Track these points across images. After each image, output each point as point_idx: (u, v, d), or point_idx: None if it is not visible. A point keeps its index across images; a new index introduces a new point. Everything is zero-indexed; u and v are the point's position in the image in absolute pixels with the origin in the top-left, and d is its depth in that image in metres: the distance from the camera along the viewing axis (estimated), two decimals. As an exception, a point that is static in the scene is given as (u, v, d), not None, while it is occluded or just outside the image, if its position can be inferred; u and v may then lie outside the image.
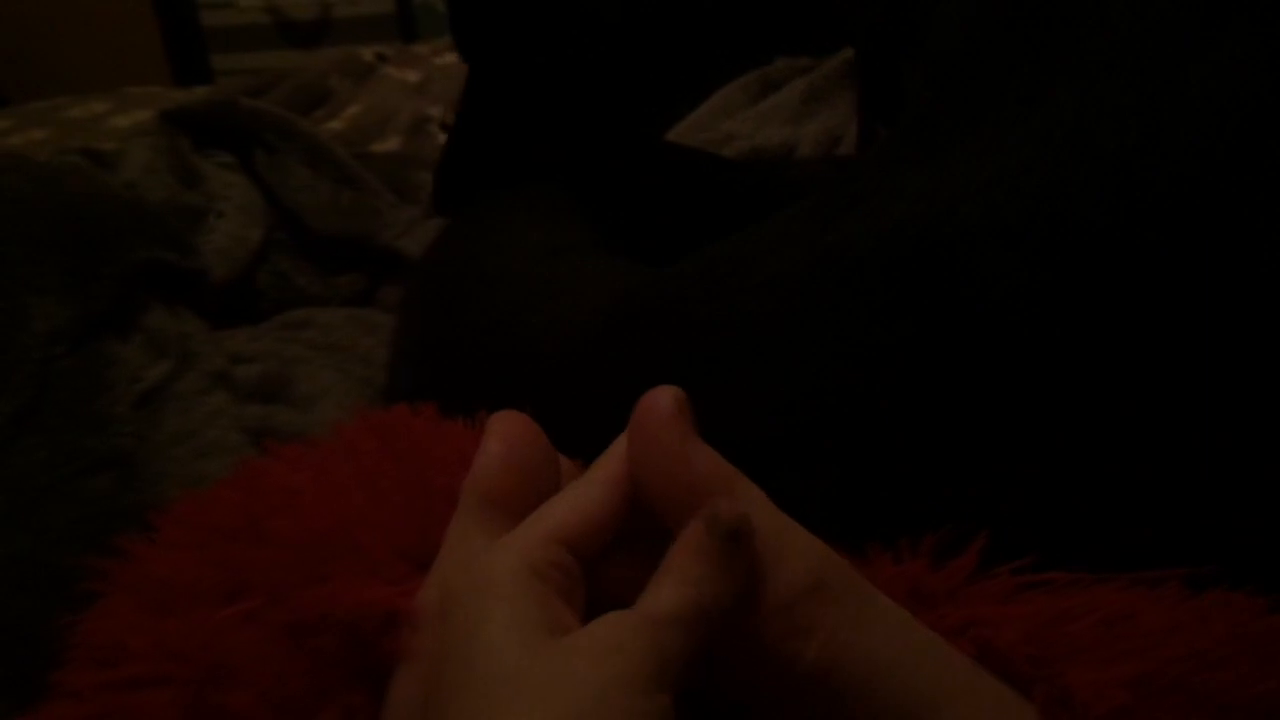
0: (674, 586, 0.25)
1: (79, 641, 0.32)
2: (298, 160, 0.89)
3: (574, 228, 0.59)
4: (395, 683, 0.26)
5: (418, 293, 0.61)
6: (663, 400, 0.28)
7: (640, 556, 0.27)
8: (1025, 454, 0.35)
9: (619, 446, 0.29)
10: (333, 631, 0.25)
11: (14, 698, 0.45)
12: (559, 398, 0.44)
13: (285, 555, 0.28)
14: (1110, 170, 0.33)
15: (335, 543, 0.28)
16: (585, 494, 0.27)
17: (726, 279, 0.40)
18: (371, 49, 1.32)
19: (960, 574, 0.31)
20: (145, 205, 0.77)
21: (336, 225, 0.85)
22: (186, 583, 0.31)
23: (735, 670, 0.27)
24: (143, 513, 0.42)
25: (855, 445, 0.36)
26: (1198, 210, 0.33)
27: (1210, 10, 0.35)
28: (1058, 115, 0.35)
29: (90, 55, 2.63)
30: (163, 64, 2.24)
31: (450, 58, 1.28)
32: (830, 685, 0.26)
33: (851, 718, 0.26)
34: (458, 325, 0.53)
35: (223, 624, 0.28)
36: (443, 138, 1.07)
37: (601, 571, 0.27)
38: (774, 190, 0.69)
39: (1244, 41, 0.34)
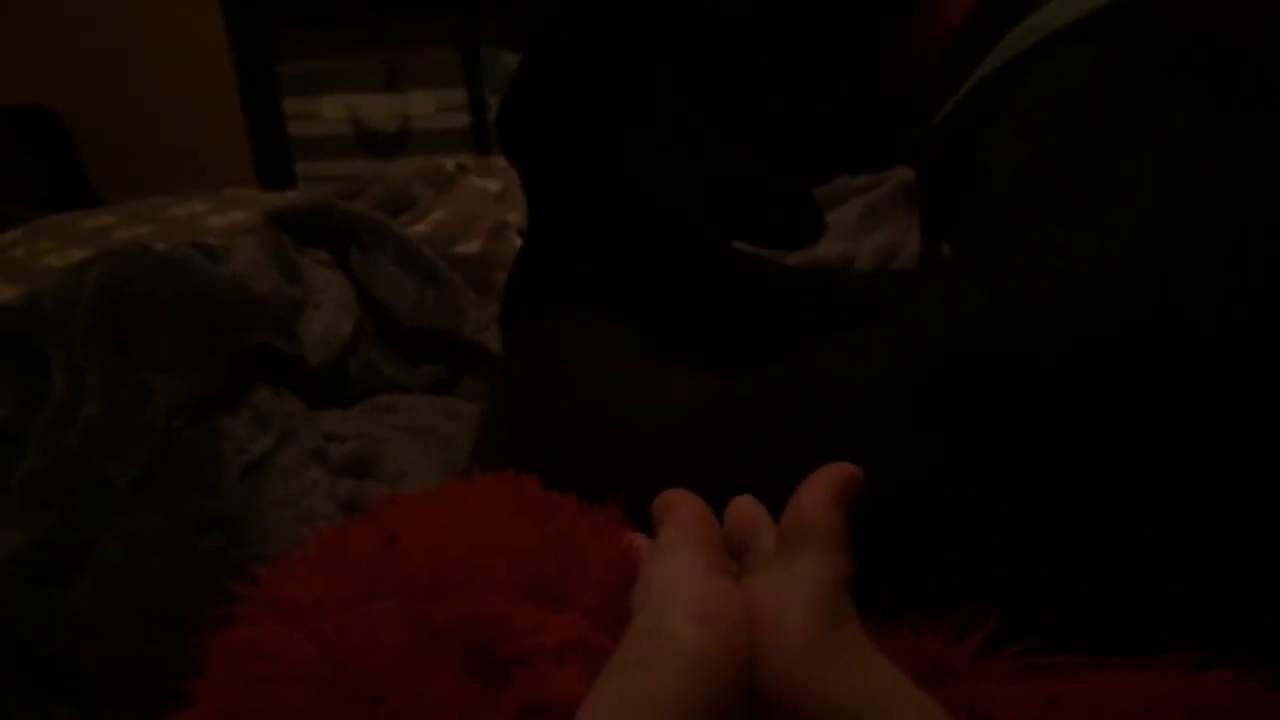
0: None
1: (216, 650, 0.36)
2: (389, 259, 0.95)
3: (637, 332, 0.64)
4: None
5: (507, 384, 0.66)
6: None
7: None
8: (1058, 546, 0.39)
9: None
10: (457, 632, 0.29)
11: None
12: (647, 486, 0.48)
13: (416, 572, 0.32)
14: (1128, 298, 0.38)
15: (462, 565, 0.32)
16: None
17: (808, 388, 0.45)
18: (452, 160, 1.41)
19: (969, 652, 0.34)
20: (252, 295, 0.84)
21: (422, 319, 0.91)
22: (317, 598, 0.35)
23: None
24: (249, 568, 0.47)
25: (910, 533, 0.40)
26: (1232, 335, 0.37)
27: (1229, 157, 0.40)
28: (1083, 250, 0.39)
29: (182, 159, 2.80)
30: (249, 168, 2.37)
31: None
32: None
33: None
34: (547, 415, 0.58)
35: (353, 624, 0.32)
36: (519, 243, 1.14)
37: None
38: (835, 298, 0.74)
39: (1264, 186, 0.39)
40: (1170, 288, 0.38)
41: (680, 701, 0.29)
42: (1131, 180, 0.41)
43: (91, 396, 0.65)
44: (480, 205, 1.21)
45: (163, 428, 0.65)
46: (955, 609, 0.38)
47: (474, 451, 0.68)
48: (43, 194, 2.48)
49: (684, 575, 0.34)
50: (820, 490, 0.36)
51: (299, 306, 0.88)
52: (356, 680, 0.30)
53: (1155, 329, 0.38)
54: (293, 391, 0.78)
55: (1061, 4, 0.49)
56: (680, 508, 0.39)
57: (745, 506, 0.40)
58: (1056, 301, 0.39)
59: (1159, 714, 0.31)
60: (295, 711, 0.31)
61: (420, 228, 1.16)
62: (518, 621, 0.30)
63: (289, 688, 0.32)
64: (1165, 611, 0.38)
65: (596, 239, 0.69)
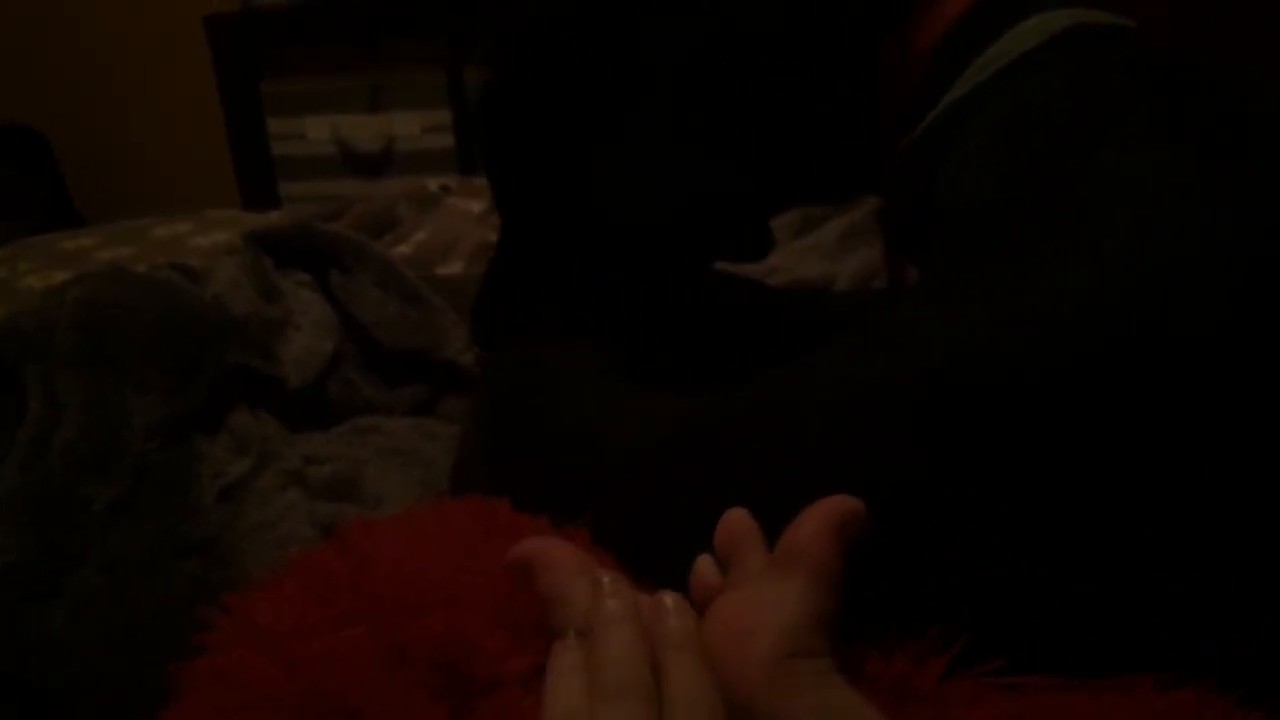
0: None
1: (190, 678, 0.36)
2: (369, 280, 0.95)
3: (614, 351, 0.64)
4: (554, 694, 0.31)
5: (486, 405, 0.67)
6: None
7: None
8: (1034, 565, 0.39)
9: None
10: (427, 656, 0.30)
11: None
12: (629, 507, 0.48)
13: (387, 597, 0.33)
14: (1114, 319, 0.39)
15: (433, 590, 0.32)
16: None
17: (782, 408, 0.45)
18: (436, 180, 1.41)
19: (936, 673, 0.35)
20: (232, 316, 0.84)
21: (403, 340, 0.91)
22: (291, 623, 0.35)
23: None
24: (225, 593, 0.47)
25: (885, 554, 0.40)
26: (1197, 352, 0.38)
27: (1200, 183, 0.40)
28: (1068, 271, 0.40)
29: (166, 178, 2.79)
30: (233, 188, 2.37)
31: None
32: None
33: None
34: (527, 436, 0.58)
35: (327, 649, 0.32)
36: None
37: None
38: (815, 317, 0.75)
39: (1235, 209, 0.40)
40: (1156, 304, 0.38)
41: None
42: (1109, 200, 0.41)
43: (70, 418, 0.65)
44: (463, 226, 1.21)
45: (140, 450, 0.65)
46: (927, 629, 0.38)
47: (453, 474, 0.68)
48: (26, 213, 2.47)
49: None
50: (819, 520, 0.36)
51: (279, 327, 0.88)
52: (327, 706, 0.30)
53: (1142, 345, 0.38)
54: (272, 413, 0.78)
55: (1022, 31, 0.50)
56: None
57: (737, 520, 0.40)
58: (1045, 319, 0.40)
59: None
60: (267, 737, 0.31)
61: (402, 249, 1.16)
62: (486, 647, 0.30)
63: (261, 714, 0.32)
64: (1158, 618, 0.38)
65: (568, 254, 0.70)
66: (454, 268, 1.13)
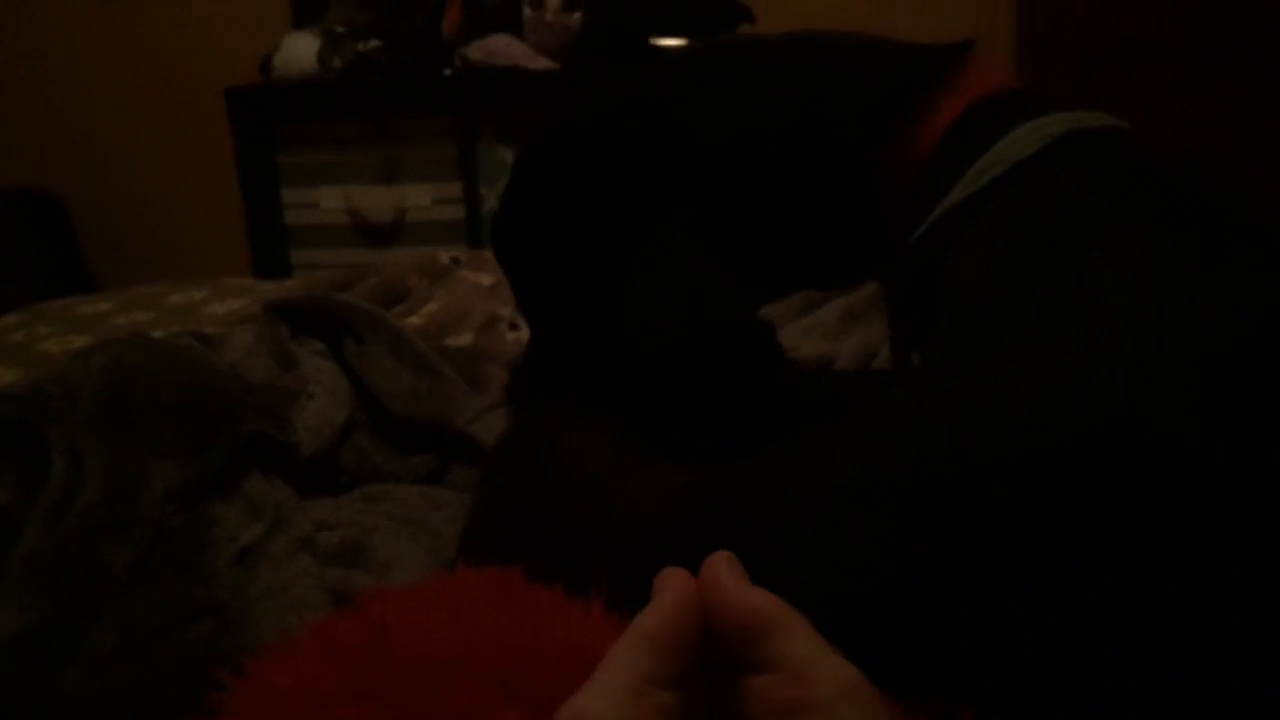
0: None
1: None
2: (383, 350, 0.98)
3: (621, 424, 0.66)
4: None
5: (499, 474, 0.69)
6: (724, 558, 0.35)
7: (718, 685, 0.34)
8: (1027, 640, 0.41)
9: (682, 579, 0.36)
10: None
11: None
12: (633, 577, 0.50)
13: (404, 666, 0.34)
14: (1102, 416, 0.41)
15: (449, 660, 0.34)
16: (660, 602, 0.35)
17: (783, 487, 0.48)
18: (447, 252, 1.44)
19: None
20: (249, 384, 0.86)
21: (414, 410, 0.93)
22: (307, 689, 0.37)
23: None
24: (237, 656, 0.48)
25: (878, 626, 0.42)
26: (1179, 448, 0.40)
27: (1180, 284, 0.43)
28: (1060, 365, 0.43)
29: (178, 245, 2.84)
30: (245, 255, 2.41)
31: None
32: None
33: None
34: (538, 504, 0.60)
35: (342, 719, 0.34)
36: (511, 335, 1.17)
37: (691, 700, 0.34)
38: (816, 396, 0.77)
39: (1219, 309, 0.42)
40: (1129, 397, 0.41)
41: None
42: (1091, 299, 0.44)
43: (91, 481, 0.67)
44: (473, 299, 1.24)
45: (158, 513, 0.67)
46: (927, 699, 0.40)
47: (461, 542, 0.70)
48: (40, 278, 2.51)
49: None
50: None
51: (294, 395, 0.90)
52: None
53: (1114, 436, 0.41)
54: (285, 479, 0.80)
55: (1021, 135, 0.53)
56: (661, 594, 0.39)
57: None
58: (1023, 412, 0.42)
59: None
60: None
61: (414, 319, 1.19)
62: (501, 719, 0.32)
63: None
64: (1147, 696, 0.40)
65: (578, 343, 0.72)
66: (465, 339, 1.15)
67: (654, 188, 0.65)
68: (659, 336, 0.64)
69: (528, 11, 2.33)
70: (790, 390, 0.71)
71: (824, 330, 1.03)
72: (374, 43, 2.26)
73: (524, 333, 1.13)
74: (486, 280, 1.31)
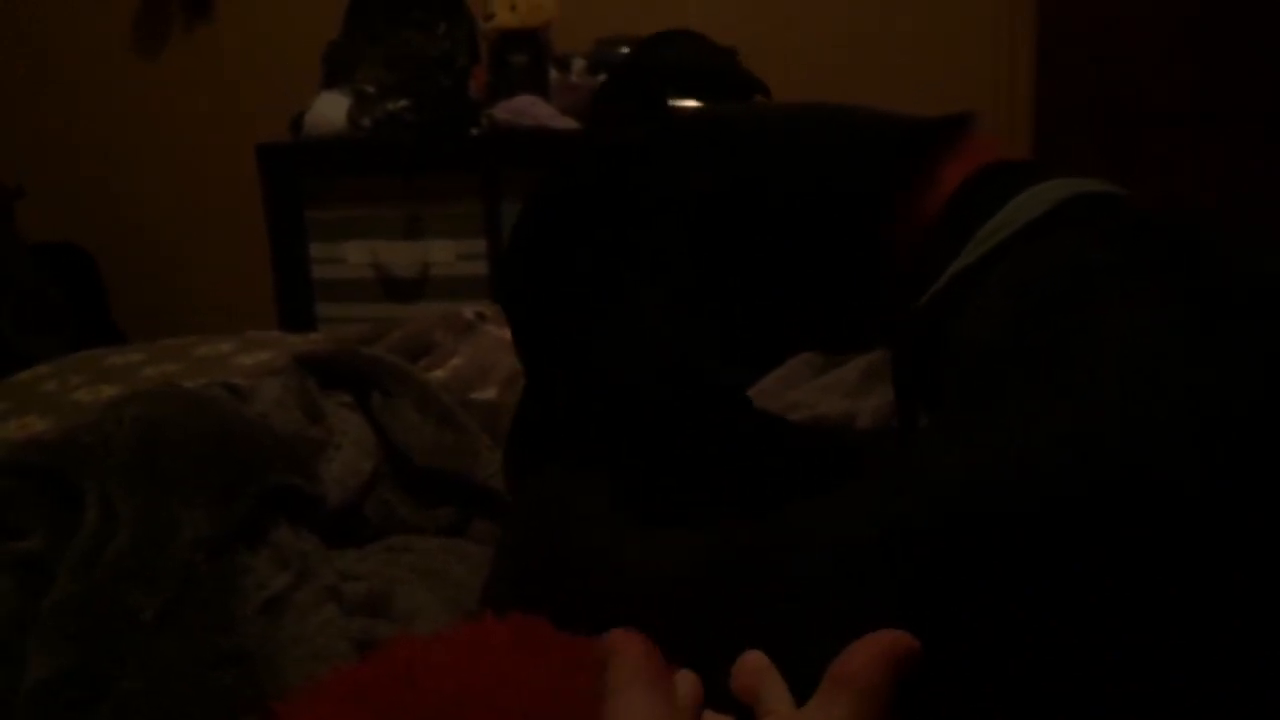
0: None
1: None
2: (408, 404, 0.99)
3: (630, 487, 0.67)
4: None
5: (512, 537, 0.69)
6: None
7: None
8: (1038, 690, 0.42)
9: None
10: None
11: None
12: (655, 631, 0.51)
13: (433, 710, 0.35)
14: (1110, 468, 0.42)
15: (475, 702, 0.35)
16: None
17: (801, 543, 0.49)
18: (471, 307, 1.46)
19: None
20: (277, 435, 0.87)
21: (438, 463, 0.95)
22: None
23: None
24: (263, 704, 0.49)
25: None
26: (1180, 496, 0.41)
27: (1184, 342, 0.44)
28: (1069, 419, 0.44)
29: (204, 297, 2.89)
30: (271, 308, 2.44)
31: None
32: None
33: None
34: (550, 570, 0.61)
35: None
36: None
37: None
38: (836, 454, 0.77)
39: (1220, 364, 0.43)
40: (1133, 449, 0.42)
41: None
42: (1096, 360, 0.45)
43: (122, 530, 0.68)
44: (497, 353, 1.26)
45: (187, 561, 0.68)
46: None
47: (482, 597, 0.71)
48: (71, 330, 2.55)
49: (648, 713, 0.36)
50: (872, 649, 0.38)
51: (321, 447, 0.91)
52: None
53: (1121, 485, 0.42)
54: (311, 529, 0.81)
55: (1028, 199, 0.55)
56: (627, 648, 0.39)
57: (755, 659, 0.43)
58: (1036, 463, 0.43)
59: None
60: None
61: (439, 373, 1.20)
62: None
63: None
64: None
65: (581, 400, 0.73)
66: (489, 393, 1.16)
67: (644, 242, 0.66)
68: (620, 395, 0.66)
69: (554, 73, 2.38)
70: (755, 450, 0.72)
71: (845, 388, 1.04)
72: (403, 102, 2.30)
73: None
74: (510, 335, 1.33)
